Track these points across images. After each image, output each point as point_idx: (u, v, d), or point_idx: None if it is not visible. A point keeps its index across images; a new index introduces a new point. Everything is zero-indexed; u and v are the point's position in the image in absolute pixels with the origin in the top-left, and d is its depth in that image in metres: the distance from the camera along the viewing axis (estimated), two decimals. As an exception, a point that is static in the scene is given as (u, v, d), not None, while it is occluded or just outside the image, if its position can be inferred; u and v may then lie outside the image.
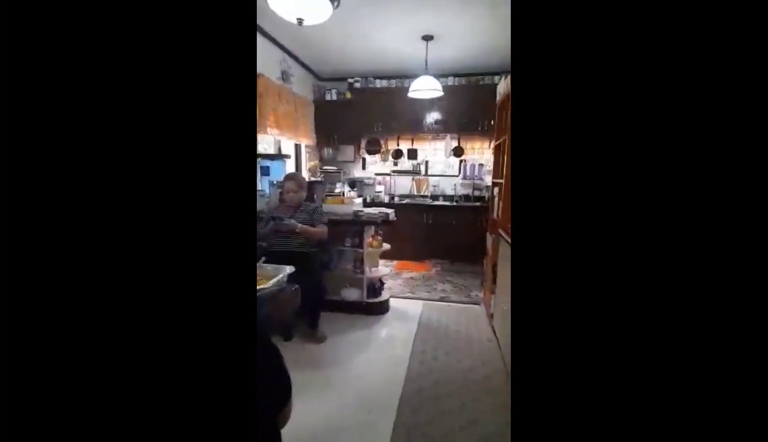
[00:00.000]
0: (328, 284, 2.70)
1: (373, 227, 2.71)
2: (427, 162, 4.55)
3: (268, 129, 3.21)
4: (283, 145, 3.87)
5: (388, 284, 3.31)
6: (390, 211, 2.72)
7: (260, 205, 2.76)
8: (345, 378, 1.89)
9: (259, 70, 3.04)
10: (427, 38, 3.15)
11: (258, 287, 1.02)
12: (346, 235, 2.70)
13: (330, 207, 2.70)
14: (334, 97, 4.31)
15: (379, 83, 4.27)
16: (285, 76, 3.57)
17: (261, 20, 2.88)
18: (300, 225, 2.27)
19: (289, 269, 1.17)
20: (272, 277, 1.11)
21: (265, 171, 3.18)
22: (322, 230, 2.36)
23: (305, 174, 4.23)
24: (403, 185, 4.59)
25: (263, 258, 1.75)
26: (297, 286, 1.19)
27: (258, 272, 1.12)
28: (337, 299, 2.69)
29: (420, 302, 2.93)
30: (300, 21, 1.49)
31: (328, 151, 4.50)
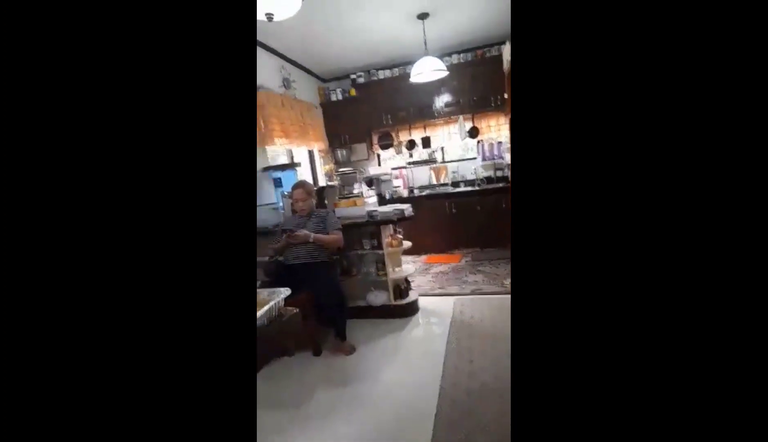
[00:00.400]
0: (352, 290, 2.59)
1: (390, 226, 2.57)
2: (442, 148, 4.33)
3: (276, 139, 3.14)
4: (296, 153, 3.81)
5: (417, 281, 3.16)
6: (406, 206, 2.56)
7: (277, 219, 2.71)
8: (376, 393, 1.77)
9: (259, 82, 2.98)
10: (423, 16, 2.95)
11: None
12: (364, 237, 2.58)
13: (342, 211, 2.57)
14: (340, 97, 4.20)
15: (382, 74, 4.11)
16: (286, 83, 3.49)
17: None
18: (313, 235, 2.18)
19: (284, 292, 1.05)
20: (266, 303, 1.00)
21: (278, 183, 3.09)
22: (336, 236, 2.25)
23: (321, 179, 4.15)
24: (422, 176, 4.40)
25: (258, 282, 1.66)
26: (297, 310, 1.07)
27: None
28: (363, 304, 2.58)
29: (451, 298, 2.75)
30: (269, 17, 1.38)
31: (341, 153, 4.39)
